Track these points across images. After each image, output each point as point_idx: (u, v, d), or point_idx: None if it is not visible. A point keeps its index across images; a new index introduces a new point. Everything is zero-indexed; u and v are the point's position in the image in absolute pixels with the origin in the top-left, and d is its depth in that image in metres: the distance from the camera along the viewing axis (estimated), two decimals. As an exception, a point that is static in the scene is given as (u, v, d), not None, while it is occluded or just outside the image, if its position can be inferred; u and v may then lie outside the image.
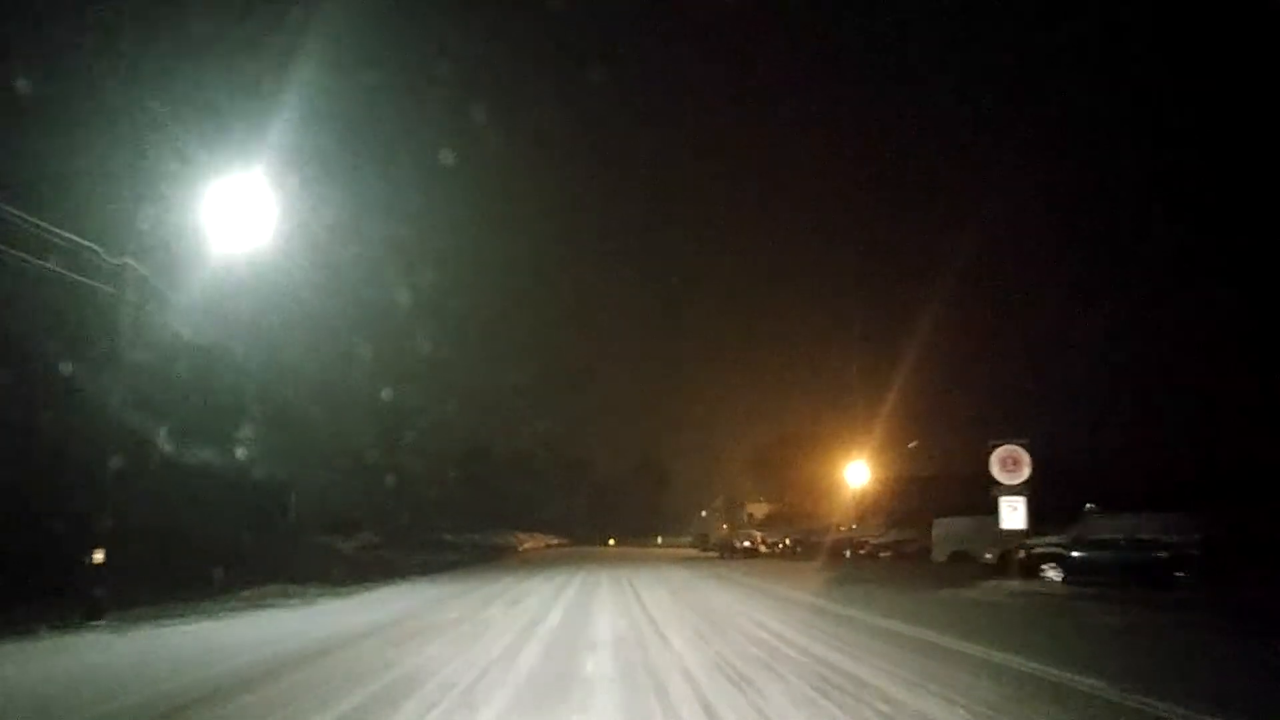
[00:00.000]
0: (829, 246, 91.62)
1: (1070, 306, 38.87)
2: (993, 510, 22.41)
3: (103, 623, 10.68)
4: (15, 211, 10.35)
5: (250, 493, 29.31)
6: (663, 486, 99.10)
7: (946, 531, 21.58)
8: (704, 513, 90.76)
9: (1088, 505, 15.73)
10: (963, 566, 20.40)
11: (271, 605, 13.81)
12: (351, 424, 57.58)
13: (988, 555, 19.61)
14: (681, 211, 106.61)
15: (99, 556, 11.15)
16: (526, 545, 52.82)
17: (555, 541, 67.00)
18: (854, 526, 38.51)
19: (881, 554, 27.52)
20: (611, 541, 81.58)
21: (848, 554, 29.53)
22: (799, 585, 18.10)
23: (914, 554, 24.82)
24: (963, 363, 47.29)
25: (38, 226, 10.53)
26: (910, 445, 39.70)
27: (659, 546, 71.24)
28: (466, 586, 19.16)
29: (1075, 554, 13.87)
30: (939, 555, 21.61)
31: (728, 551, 37.09)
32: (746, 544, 37.04)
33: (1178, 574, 12.88)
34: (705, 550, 49.73)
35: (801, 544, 37.04)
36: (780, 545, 37.94)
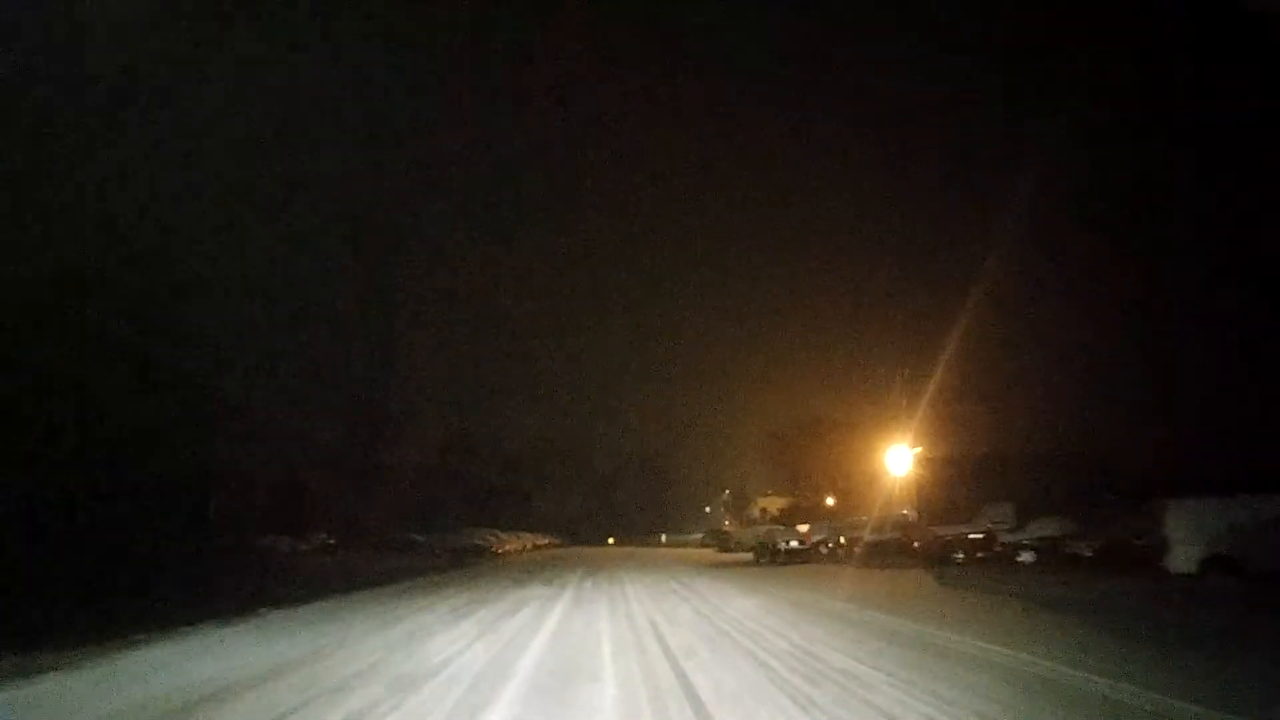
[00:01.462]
0: (840, 228, 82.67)
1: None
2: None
3: None
4: None
5: (129, 473, 21.17)
6: (664, 481, 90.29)
7: (1203, 523, 12.58)
8: (708, 508, 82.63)
9: None
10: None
11: None
12: (316, 403, 49.07)
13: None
14: (684, 195, 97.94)
15: None
16: (507, 547, 43.61)
17: (545, 541, 57.60)
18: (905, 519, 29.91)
19: (1018, 557, 18.68)
20: (611, 541, 72.77)
21: (960, 557, 20.56)
22: (1028, 641, 8.34)
23: (1080, 558, 15.97)
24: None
25: None
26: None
27: (664, 546, 62.36)
28: (347, 635, 10.16)
29: None
30: (1183, 563, 12.64)
31: (767, 554, 27.85)
32: (794, 544, 27.80)
33: None
34: (724, 551, 40.79)
35: (856, 543, 28.06)
36: (833, 545, 28.90)
